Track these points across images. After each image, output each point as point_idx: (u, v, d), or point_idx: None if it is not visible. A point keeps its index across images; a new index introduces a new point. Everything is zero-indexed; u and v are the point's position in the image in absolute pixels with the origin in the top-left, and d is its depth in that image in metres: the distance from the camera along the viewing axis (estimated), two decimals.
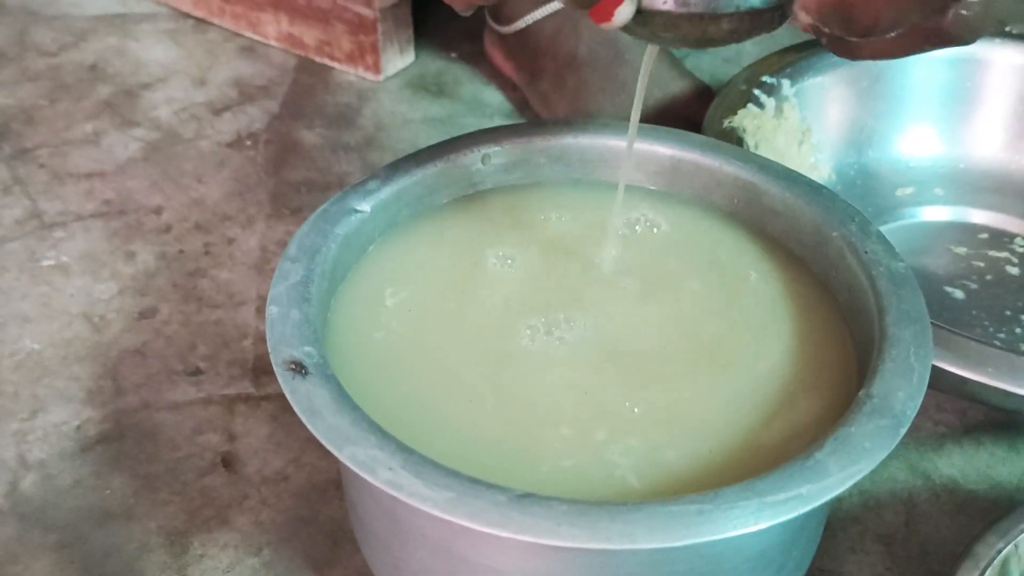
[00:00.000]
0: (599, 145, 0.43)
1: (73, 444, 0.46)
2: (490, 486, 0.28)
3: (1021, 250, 0.57)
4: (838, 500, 0.44)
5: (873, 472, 0.44)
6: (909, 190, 0.60)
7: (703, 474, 0.32)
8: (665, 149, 0.43)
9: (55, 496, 0.44)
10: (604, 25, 0.34)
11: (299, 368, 0.31)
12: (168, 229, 0.58)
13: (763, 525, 0.27)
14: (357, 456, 0.29)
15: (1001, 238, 0.58)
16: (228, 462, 0.45)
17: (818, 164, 0.58)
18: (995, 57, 0.58)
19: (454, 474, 0.28)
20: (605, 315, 0.37)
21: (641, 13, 0.34)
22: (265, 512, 0.43)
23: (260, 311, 0.53)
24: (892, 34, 0.33)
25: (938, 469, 0.46)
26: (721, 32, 0.35)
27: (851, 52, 0.34)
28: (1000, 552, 0.34)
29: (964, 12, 0.32)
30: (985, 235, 0.58)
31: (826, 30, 0.33)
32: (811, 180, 0.41)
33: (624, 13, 0.33)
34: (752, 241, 0.41)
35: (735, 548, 0.30)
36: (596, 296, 0.38)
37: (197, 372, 0.49)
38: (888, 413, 0.31)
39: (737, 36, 0.36)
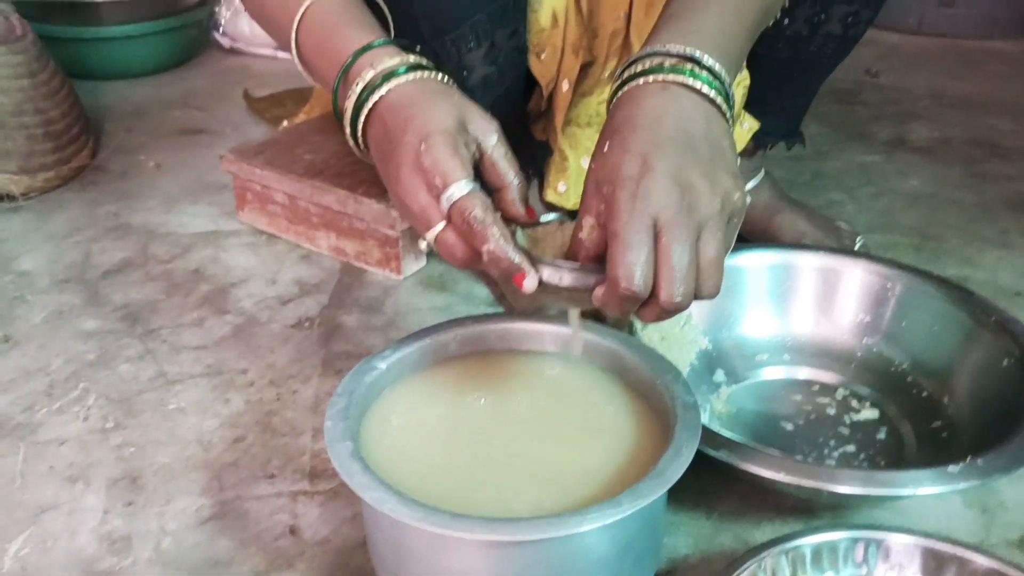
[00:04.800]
0: (527, 328, 0.70)
1: (193, 520, 0.71)
2: (441, 510, 0.53)
3: (839, 397, 0.83)
4: (684, 556, 0.68)
5: (707, 540, 0.69)
6: (764, 355, 0.86)
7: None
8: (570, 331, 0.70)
9: (183, 551, 0.69)
10: (522, 290, 0.58)
11: None
12: (252, 384, 0.85)
13: (585, 528, 0.52)
14: (375, 498, 0.54)
15: (827, 389, 0.84)
16: (293, 531, 0.70)
17: (697, 338, 0.84)
18: (801, 263, 0.85)
19: (423, 505, 0.54)
20: (521, 428, 0.63)
21: (542, 283, 0.59)
22: (316, 561, 0.68)
23: (314, 438, 0.79)
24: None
25: (755, 538, 0.70)
26: (589, 301, 0.61)
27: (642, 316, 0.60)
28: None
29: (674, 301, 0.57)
30: (816, 387, 0.84)
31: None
32: (649, 348, 0.67)
33: (530, 283, 0.58)
34: (617, 384, 0.67)
35: (581, 546, 0.55)
36: (517, 417, 0.64)
37: (272, 476, 0.75)
38: (663, 478, 0.56)
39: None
